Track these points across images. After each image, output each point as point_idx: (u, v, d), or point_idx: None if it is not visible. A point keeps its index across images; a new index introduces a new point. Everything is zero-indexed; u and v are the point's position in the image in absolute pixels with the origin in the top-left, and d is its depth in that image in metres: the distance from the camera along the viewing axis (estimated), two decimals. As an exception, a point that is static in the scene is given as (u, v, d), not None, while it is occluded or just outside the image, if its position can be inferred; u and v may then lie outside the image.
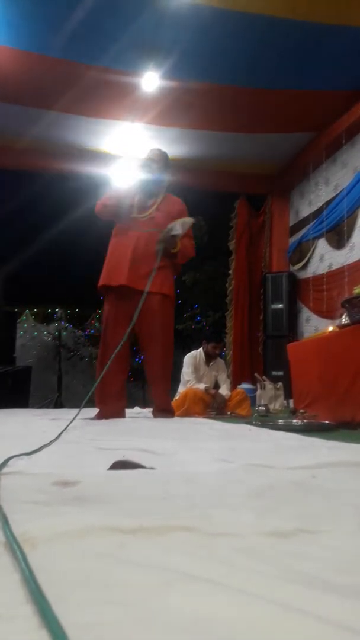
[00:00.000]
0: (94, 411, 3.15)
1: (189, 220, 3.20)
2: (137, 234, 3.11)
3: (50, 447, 1.44)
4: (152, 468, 1.02)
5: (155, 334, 3.12)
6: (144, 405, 4.61)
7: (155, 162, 3.28)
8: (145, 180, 3.19)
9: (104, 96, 4.66)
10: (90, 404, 2.82)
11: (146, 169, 3.24)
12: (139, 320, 2.99)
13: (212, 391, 4.09)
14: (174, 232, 3.09)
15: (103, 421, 2.87)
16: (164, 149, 5.48)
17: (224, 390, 4.17)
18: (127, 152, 5.59)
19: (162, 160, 3.34)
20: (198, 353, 4.29)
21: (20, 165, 5.87)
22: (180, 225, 3.11)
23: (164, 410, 3.16)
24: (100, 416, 3.04)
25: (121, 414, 3.12)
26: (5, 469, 1.00)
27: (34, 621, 0.35)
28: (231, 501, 0.74)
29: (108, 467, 1.02)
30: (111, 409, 3.05)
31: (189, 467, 1.06)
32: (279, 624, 0.36)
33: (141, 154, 3.50)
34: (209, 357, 4.28)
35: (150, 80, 4.38)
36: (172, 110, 4.81)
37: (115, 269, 3.11)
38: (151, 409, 3.29)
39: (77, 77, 4.30)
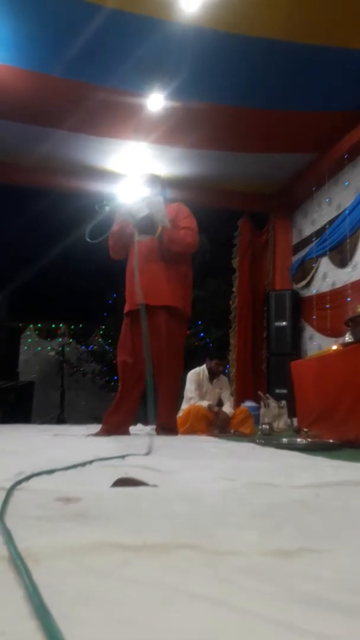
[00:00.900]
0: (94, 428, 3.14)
1: (156, 198, 2.88)
2: (138, 249, 2.94)
3: (52, 463, 1.44)
4: (154, 485, 1.01)
5: (166, 351, 2.96)
6: (146, 422, 4.58)
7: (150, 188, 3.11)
8: (142, 216, 2.92)
9: (110, 116, 4.76)
10: (93, 420, 2.80)
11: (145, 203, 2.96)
12: (153, 337, 2.88)
13: (216, 409, 4.07)
14: (141, 214, 2.81)
15: (106, 438, 2.85)
16: (168, 168, 5.58)
17: (227, 408, 4.14)
18: (133, 172, 5.67)
19: (155, 185, 3.16)
20: (201, 370, 4.27)
21: (27, 181, 5.97)
22: (146, 205, 2.82)
23: (168, 428, 3.12)
24: (102, 432, 3.01)
25: (126, 432, 3.08)
26: (8, 484, 0.99)
27: (38, 637, 0.35)
28: (235, 520, 0.74)
29: (111, 484, 1.02)
30: (118, 426, 3.01)
31: (192, 485, 1.06)
32: (282, 644, 0.36)
33: (134, 177, 3.38)
34: (213, 375, 4.27)
35: (156, 101, 4.47)
36: (176, 130, 4.90)
37: (130, 294, 3.01)
38: (154, 426, 3.27)
39: (84, 97, 4.39)
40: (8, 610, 0.40)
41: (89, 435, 2.93)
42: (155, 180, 3.21)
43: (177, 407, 3.38)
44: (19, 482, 0.98)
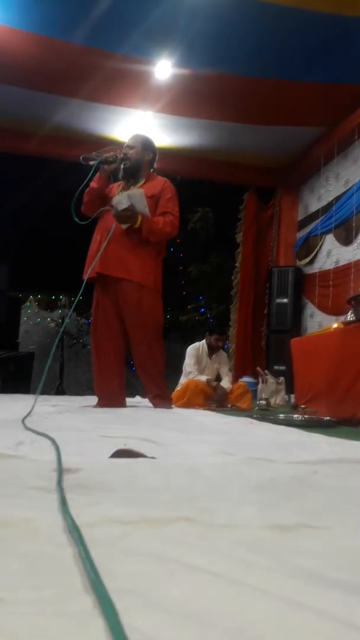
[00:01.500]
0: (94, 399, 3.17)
1: (137, 191, 2.96)
2: (110, 222, 2.97)
3: (52, 433, 1.45)
4: (153, 457, 1.02)
5: (137, 324, 3.03)
6: (144, 394, 4.62)
7: (130, 148, 3.10)
8: (113, 170, 3.03)
9: (117, 84, 4.63)
10: (92, 392, 2.82)
11: (119, 160, 3.05)
12: (123, 310, 3.01)
13: (214, 383, 4.09)
14: (121, 207, 2.88)
15: (105, 409, 2.88)
16: (174, 137, 5.46)
17: (226, 383, 4.17)
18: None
19: (138, 144, 3.12)
20: (201, 345, 4.28)
21: (31, 151, 5.86)
22: (126, 198, 2.89)
23: (162, 398, 3.12)
24: (98, 405, 3.06)
25: (122, 405, 3.11)
26: (7, 452, 1.00)
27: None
28: (233, 494, 0.74)
29: (110, 455, 1.02)
30: (110, 401, 3.05)
31: (191, 458, 1.07)
32: (280, 619, 0.36)
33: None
34: (212, 350, 4.28)
35: (163, 68, 4.34)
36: (183, 99, 4.78)
37: (91, 261, 3.03)
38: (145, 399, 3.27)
39: (92, 65, 4.27)
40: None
41: (86, 406, 2.95)
42: (139, 141, 3.16)
43: (173, 379, 3.39)
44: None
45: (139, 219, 2.92)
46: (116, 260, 2.95)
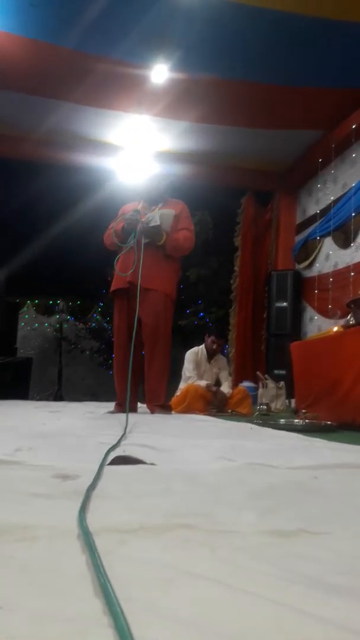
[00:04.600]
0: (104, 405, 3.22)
1: (169, 212, 3.28)
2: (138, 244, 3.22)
3: (49, 439, 1.44)
4: (152, 464, 1.01)
5: (156, 333, 3.23)
6: (144, 401, 4.60)
7: (154, 191, 3.42)
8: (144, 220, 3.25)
9: (113, 88, 4.64)
10: (90, 397, 2.82)
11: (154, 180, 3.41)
12: (147, 319, 3.19)
13: (214, 388, 4.08)
14: (153, 223, 3.17)
15: (107, 415, 2.91)
16: (172, 141, 5.48)
17: (225, 388, 4.15)
18: (134, 145, 5.57)
19: (161, 187, 3.45)
20: (200, 349, 4.27)
21: (27, 156, 5.87)
22: (159, 216, 3.19)
23: (161, 405, 3.22)
24: (117, 409, 3.23)
25: (135, 408, 3.32)
26: (5, 458, 0.99)
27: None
28: (233, 500, 0.74)
29: (109, 462, 1.02)
30: (130, 402, 3.19)
31: (190, 465, 1.06)
32: (280, 625, 0.36)
33: (149, 147, 3.52)
34: (211, 354, 4.27)
35: (160, 73, 4.36)
36: (180, 104, 4.79)
37: (121, 275, 3.26)
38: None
39: (87, 69, 4.28)
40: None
41: (107, 412, 3.10)
42: (161, 183, 3.48)
43: (172, 384, 3.51)
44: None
45: (164, 236, 3.22)
46: (147, 272, 3.15)
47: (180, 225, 3.34)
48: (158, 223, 3.18)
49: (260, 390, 4.45)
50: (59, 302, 8.34)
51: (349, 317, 3.29)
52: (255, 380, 4.86)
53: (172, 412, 3.44)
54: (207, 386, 4.05)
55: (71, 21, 3.76)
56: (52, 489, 0.75)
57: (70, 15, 3.71)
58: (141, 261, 3.11)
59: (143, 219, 3.20)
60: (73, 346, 8.63)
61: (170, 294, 3.34)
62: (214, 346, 4.24)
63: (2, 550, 0.48)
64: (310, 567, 0.47)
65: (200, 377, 4.15)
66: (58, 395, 6.44)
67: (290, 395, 4.17)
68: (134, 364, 3.16)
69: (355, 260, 4.86)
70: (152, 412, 3.12)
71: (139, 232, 3.16)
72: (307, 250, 5.89)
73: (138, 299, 3.11)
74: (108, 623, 0.34)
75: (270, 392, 4.36)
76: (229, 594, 0.40)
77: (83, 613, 0.36)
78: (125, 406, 3.06)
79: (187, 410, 3.73)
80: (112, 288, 3.39)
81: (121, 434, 1.59)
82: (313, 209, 5.92)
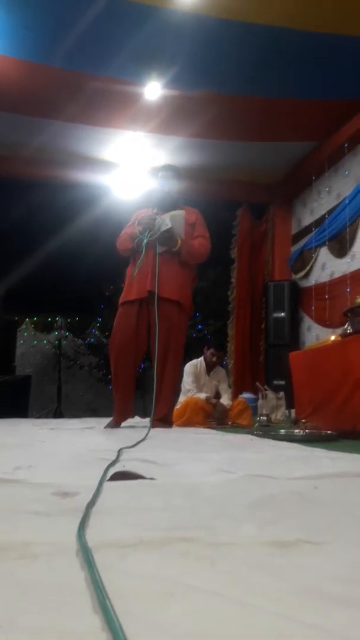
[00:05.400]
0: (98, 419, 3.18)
1: (178, 213, 3.14)
2: (153, 250, 3.10)
3: (49, 457, 1.44)
4: (152, 479, 1.01)
5: (170, 344, 3.11)
6: (143, 414, 4.59)
7: (170, 178, 3.32)
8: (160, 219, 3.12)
9: (106, 105, 4.70)
10: (90, 413, 2.80)
11: (165, 184, 3.28)
12: (162, 329, 3.03)
13: (213, 401, 4.07)
14: (164, 227, 3.05)
15: (102, 430, 2.87)
16: (166, 157, 5.54)
17: (225, 400, 4.14)
18: (129, 161, 5.62)
19: (175, 176, 3.38)
20: (199, 362, 4.27)
21: (22, 174, 5.92)
22: (169, 218, 3.07)
23: (165, 420, 3.15)
24: (114, 423, 3.16)
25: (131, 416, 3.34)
26: (5, 477, 0.99)
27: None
28: (233, 512, 0.74)
29: (108, 478, 1.01)
30: (125, 414, 3.21)
31: (190, 478, 1.06)
32: (281, 636, 0.36)
33: (144, 164, 3.51)
34: (210, 366, 4.27)
35: (153, 90, 4.42)
36: (174, 119, 4.85)
37: (139, 283, 3.13)
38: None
39: (80, 87, 4.34)
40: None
41: (106, 427, 3.03)
42: (175, 171, 3.40)
43: (175, 400, 3.46)
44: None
45: (179, 242, 3.11)
46: (163, 281, 3.07)
47: (196, 232, 3.28)
48: (169, 225, 3.06)
49: (260, 401, 4.44)
50: (57, 318, 8.35)
51: (346, 325, 3.30)
52: (255, 391, 4.84)
53: (173, 425, 3.42)
54: (207, 399, 4.04)
55: (64, 41, 3.82)
56: (51, 506, 0.75)
57: (63, 36, 3.78)
58: (157, 269, 2.99)
59: (154, 230, 3.08)
60: (72, 362, 8.61)
61: (185, 305, 3.21)
62: (214, 359, 4.24)
63: (2, 568, 0.48)
64: (311, 577, 0.47)
65: (200, 389, 4.14)
66: (58, 412, 6.41)
67: (290, 405, 4.16)
68: (132, 375, 3.15)
69: (351, 269, 4.89)
70: (154, 426, 3.08)
71: (154, 240, 3.04)
72: (303, 261, 5.92)
73: (156, 309, 2.98)
74: (107, 639, 0.34)
75: (270, 403, 4.35)
76: (229, 606, 0.40)
77: (82, 629, 0.36)
78: (125, 416, 3.06)
79: (187, 423, 3.72)
80: (132, 297, 3.17)
81: (124, 448, 1.59)
82: (308, 219, 5.97)
